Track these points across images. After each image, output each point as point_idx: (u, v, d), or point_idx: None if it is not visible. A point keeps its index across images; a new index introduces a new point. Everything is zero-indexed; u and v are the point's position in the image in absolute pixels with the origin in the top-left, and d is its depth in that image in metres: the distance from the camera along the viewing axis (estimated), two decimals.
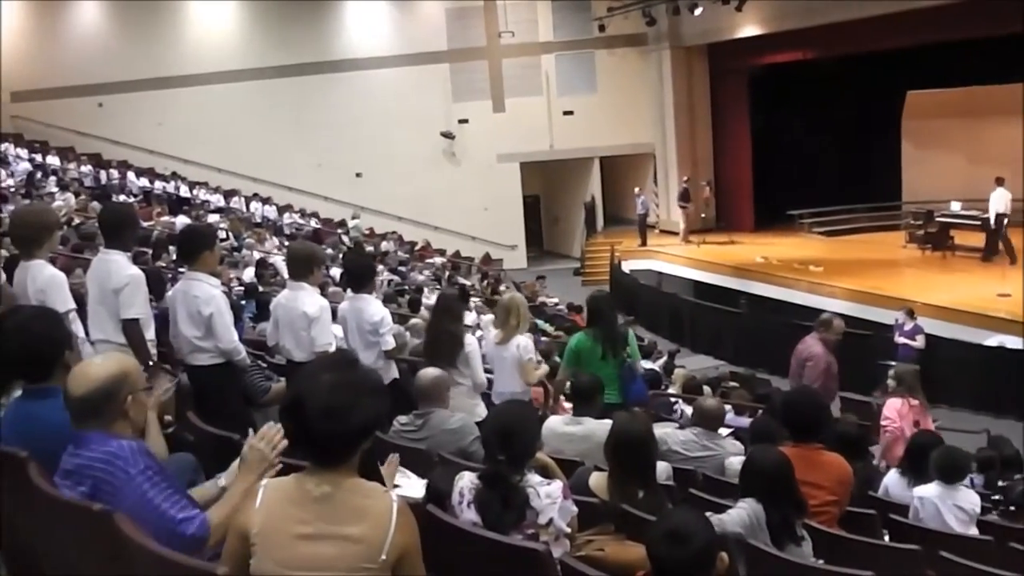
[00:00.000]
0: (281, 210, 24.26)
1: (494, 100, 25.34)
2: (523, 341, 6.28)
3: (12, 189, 15.52)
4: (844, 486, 4.36)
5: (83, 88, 25.32)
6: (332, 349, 5.55)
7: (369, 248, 21.16)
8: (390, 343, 5.93)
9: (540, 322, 16.11)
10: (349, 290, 6.66)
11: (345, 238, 21.65)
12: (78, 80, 25.24)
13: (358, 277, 6.27)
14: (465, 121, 25.29)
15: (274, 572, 2.18)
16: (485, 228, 25.14)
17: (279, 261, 16.19)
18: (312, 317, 5.45)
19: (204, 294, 5.09)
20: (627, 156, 25.76)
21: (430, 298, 13.26)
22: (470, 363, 5.89)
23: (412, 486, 3.70)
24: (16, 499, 2.99)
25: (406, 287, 16.59)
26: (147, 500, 2.54)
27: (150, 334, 4.91)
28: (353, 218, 23.87)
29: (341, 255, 17.75)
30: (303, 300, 5.53)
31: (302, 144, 24.89)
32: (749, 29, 21.34)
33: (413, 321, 9.21)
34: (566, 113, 25.16)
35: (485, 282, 21.54)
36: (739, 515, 3.56)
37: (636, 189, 23.72)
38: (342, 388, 2.19)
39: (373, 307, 5.97)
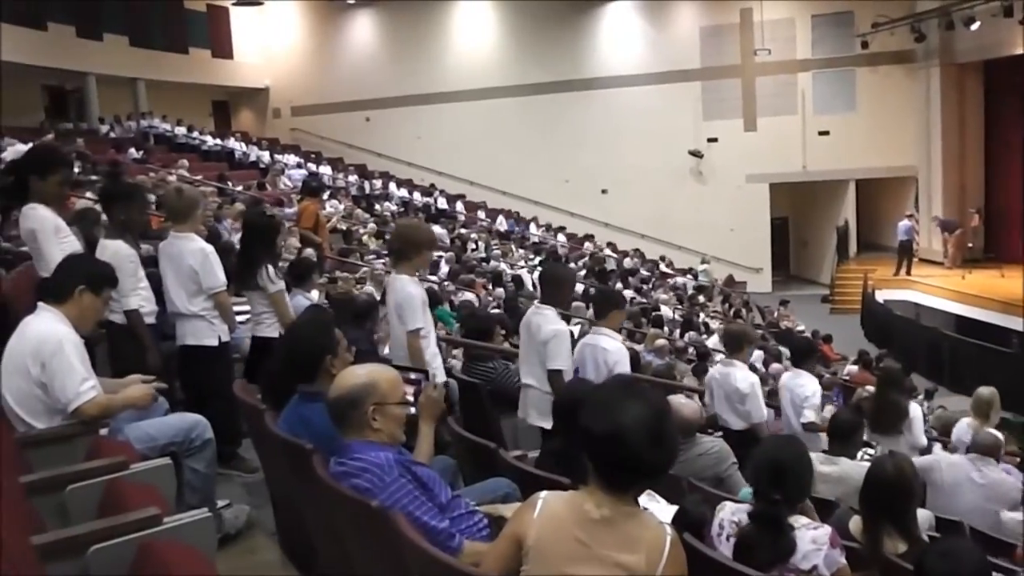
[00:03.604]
0: (518, 221, 24.91)
1: (746, 119, 24.79)
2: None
3: (290, 195, 17.07)
4: None
5: (353, 104, 27.45)
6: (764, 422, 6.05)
7: (611, 267, 21.28)
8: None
9: (784, 350, 15.56)
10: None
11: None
12: (349, 96, 27.40)
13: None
14: (715, 140, 24.90)
15: None
16: (730, 249, 24.58)
17: (524, 274, 16.70)
18: (744, 393, 5.93)
19: (612, 347, 5.48)
20: (886, 179, 24.39)
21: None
22: (912, 428, 6.15)
23: (661, 511, 3.68)
24: (298, 488, 3.26)
25: (647, 305, 16.56)
26: (398, 508, 2.65)
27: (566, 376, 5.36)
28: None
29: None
30: (736, 376, 5.99)
31: (551, 159, 25.53)
32: None
33: (660, 342, 9.15)
34: (821, 133, 24.17)
35: (727, 304, 21.07)
36: None
37: (908, 214, 22.38)
38: (660, 416, 2.25)
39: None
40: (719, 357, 11.70)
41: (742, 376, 5.96)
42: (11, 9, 18.50)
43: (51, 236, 4.63)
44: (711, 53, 24.86)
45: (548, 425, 4.57)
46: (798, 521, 2.96)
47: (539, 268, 18.07)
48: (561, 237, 24.50)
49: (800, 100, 24.39)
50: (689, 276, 23.06)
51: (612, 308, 5.70)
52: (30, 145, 10.08)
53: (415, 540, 2.46)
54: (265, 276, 5.29)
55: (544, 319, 5.25)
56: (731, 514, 3.04)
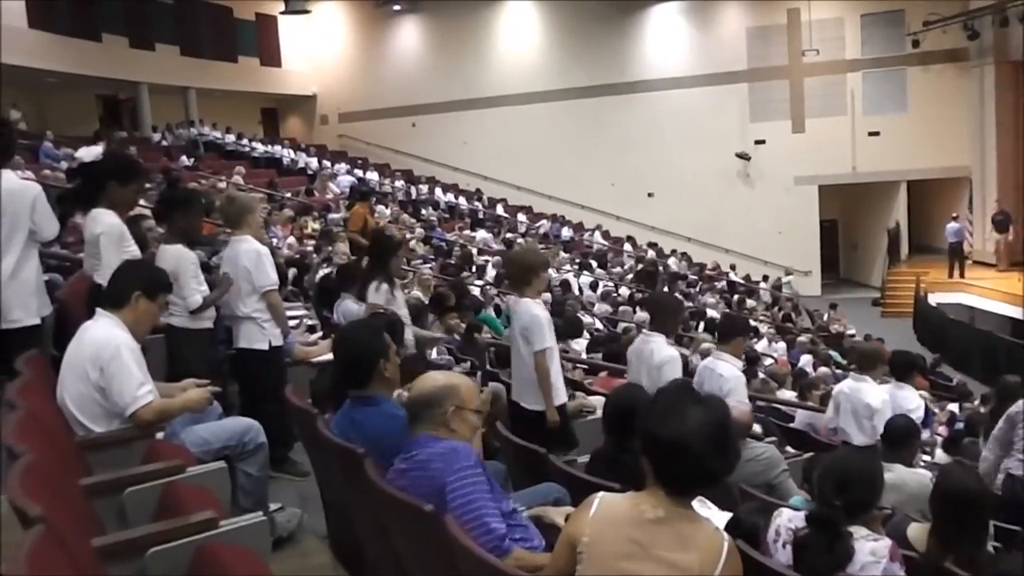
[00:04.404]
0: (573, 227, 24.84)
1: (794, 120, 24.48)
2: None
3: (338, 201, 17.25)
4: None
5: (399, 109, 27.64)
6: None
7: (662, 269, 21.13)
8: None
9: (834, 354, 15.38)
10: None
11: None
12: (395, 102, 27.59)
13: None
14: (762, 142, 24.61)
15: None
16: (778, 252, 24.23)
17: (571, 278, 16.67)
18: (875, 409, 6.10)
19: (728, 374, 5.63)
20: (938, 180, 23.94)
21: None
22: None
23: (712, 517, 3.63)
24: (349, 492, 3.29)
25: (694, 309, 16.45)
26: (464, 493, 2.69)
27: None
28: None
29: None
30: (867, 392, 6.20)
31: (596, 163, 25.44)
32: None
33: (705, 346, 9.09)
34: (871, 134, 23.78)
35: (776, 307, 20.84)
36: None
37: (954, 216, 21.97)
38: (723, 423, 2.25)
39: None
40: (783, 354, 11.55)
41: (874, 393, 6.15)
42: (67, 21, 19.04)
43: (117, 242, 4.68)
44: (758, 54, 24.61)
45: None
46: (858, 531, 2.91)
47: (584, 272, 18.03)
48: (628, 247, 24.28)
49: (849, 100, 24.02)
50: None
51: (736, 335, 5.92)
52: (101, 147, 10.22)
53: (466, 543, 2.46)
54: (371, 289, 5.72)
55: (657, 346, 5.60)
56: (788, 520, 3.00)
